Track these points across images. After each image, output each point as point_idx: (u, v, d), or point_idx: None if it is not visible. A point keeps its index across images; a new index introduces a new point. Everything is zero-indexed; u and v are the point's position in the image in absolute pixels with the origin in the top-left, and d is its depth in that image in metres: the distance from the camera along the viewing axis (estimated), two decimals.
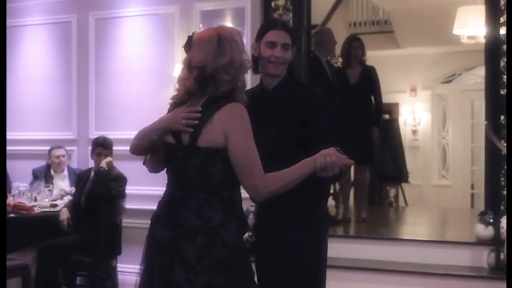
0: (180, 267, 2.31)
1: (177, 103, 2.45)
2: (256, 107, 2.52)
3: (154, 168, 2.56)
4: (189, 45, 2.45)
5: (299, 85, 2.90)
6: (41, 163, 6.11)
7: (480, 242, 4.84)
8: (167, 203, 2.44)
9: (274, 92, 2.74)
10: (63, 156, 6.01)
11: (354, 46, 6.16)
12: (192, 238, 2.32)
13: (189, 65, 2.41)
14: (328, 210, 2.96)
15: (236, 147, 2.32)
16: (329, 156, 2.30)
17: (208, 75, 2.36)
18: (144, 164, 2.58)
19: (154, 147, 2.48)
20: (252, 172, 2.32)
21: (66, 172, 6.05)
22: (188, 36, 2.48)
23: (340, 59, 6.49)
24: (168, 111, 2.48)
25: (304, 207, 2.69)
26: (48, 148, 6.10)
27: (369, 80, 6.10)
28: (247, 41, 4.78)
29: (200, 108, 2.37)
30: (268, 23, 3.06)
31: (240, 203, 2.45)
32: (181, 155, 2.40)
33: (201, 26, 6.00)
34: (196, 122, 2.35)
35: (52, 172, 5.98)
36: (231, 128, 2.32)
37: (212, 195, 2.36)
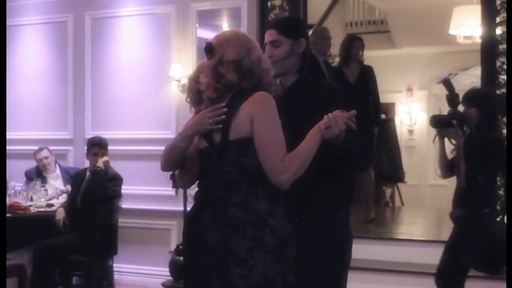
0: (233, 265, 2.26)
1: (209, 104, 2.40)
2: (278, 105, 2.47)
3: (186, 182, 2.53)
4: (210, 50, 2.42)
5: (315, 81, 2.85)
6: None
7: None
8: (211, 207, 2.36)
9: (292, 88, 2.71)
10: (46, 158, 5.93)
11: (356, 45, 6.13)
12: (240, 232, 2.27)
13: (218, 65, 2.37)
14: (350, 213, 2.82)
15: (259, 130, 2.29)
16: (331, 114, 2.30)
17: (246, 69, 2.37)
18: (173, 187, 2.50)
19: (184, 159, 2.43)
20: (274, 155, 2.27)
21: (58, 171, 6.01)
22: (207, 42, 2.46)
23: (337, 59, 6.45)
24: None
25: (326, 209, 2.61)
26: None
27: (368, 79, 6.08)
28: None
29: (224, 104, 2.35)
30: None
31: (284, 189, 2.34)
32: (215, 155, 2.36)
33: (197, 25, 6.00)
34: (224, 116, 2.33)
35: (44, 173, 5.95)
36: (255, 112, 2.30)
37: (253, 186, 2.32)
